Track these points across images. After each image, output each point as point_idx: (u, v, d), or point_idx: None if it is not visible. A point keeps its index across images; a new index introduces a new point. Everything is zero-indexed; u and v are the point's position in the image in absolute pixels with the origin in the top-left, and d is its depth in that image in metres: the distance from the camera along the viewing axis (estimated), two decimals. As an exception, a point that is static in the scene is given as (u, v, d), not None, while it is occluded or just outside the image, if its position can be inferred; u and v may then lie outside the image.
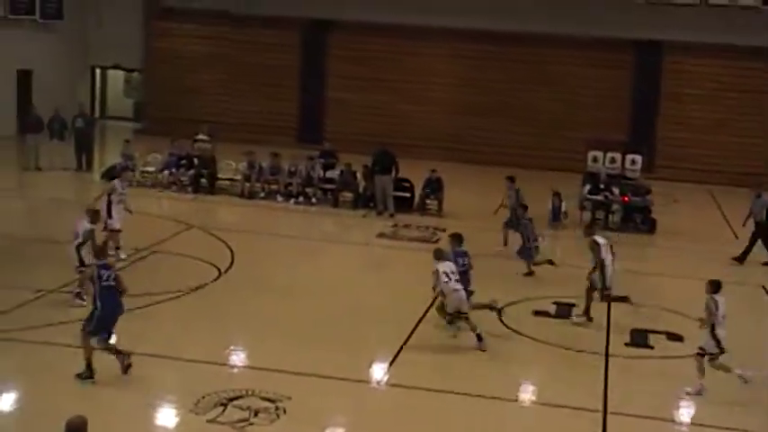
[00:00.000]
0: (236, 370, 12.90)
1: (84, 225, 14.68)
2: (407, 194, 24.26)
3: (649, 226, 23.10)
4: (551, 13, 32.04)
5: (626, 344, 14.53)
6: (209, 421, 10.71)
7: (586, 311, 15.35)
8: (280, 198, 24.23)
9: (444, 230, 20.31)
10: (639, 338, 14.78)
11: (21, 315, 14.02)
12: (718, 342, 12.31)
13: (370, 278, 18.22)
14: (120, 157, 25.38)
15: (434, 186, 24.00)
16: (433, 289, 13.99)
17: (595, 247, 15.32)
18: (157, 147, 26.26)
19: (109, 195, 17.51)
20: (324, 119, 33.66)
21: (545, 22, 32.05)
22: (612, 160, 26.17)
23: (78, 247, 14.60)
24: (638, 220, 23.23)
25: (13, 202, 23.43)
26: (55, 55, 32.70)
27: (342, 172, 24.48)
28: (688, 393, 12.46)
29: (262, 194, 24.44)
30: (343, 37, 33.59)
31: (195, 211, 22.76)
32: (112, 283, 11.85)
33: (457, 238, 14.97)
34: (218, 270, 17.10)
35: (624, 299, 16.05)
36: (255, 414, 10.93)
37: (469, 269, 14.64)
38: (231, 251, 18.49)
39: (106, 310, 11.72)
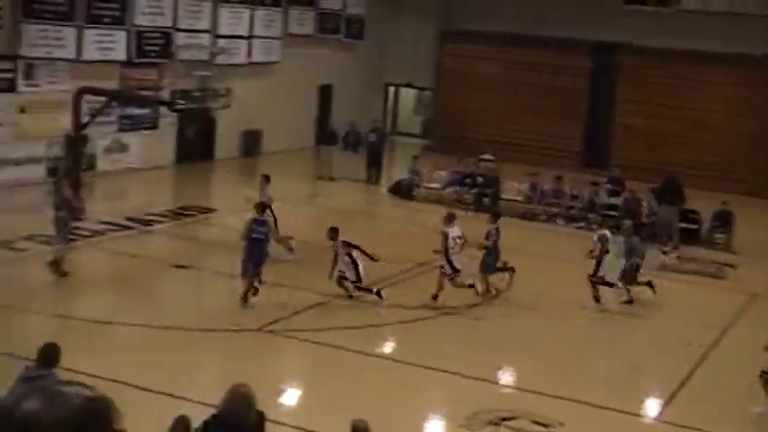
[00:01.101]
0: (507, 390, 12.98)
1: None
2: (694, 226, 23.32)
3: None
4: None
5: None
6: (479, 438, 10.86)
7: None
8: (560, 222, 24.07)
9: (733, 266, 19.33)
10: None
11: (308, 317, 14.90)
12: None
13: (648, 308, 17.67)
14: (407, 172, 26.32)
15: (724, 219, 22.90)
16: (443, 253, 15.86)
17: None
18: (443, 164, 26.93)
19: None
20: (609, 144, 33.07)
21: None
22: None
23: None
24: None
25: (306, 208, 24.92)
26: (353, 72, 34.39)
27: (625, 199, 23.96)
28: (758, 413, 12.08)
29: (543, 217, 24.41)
30: (635, 61, 32.84)
31: (476, 229, 23.03)
32: (261, 237, 14.97)
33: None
34: (496, 289, 17.27)
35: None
36: (526, 437, 10.95)
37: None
38: (510, 271, 18.58)
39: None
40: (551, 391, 12.42)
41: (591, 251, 16.63)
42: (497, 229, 16.93)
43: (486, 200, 25.11)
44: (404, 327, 14.95)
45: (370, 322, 14.85)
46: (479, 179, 25.36)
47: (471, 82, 34.97)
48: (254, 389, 7.55)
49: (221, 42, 27.46)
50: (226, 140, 28.79)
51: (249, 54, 29.24)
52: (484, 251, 16.61)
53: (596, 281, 16.41)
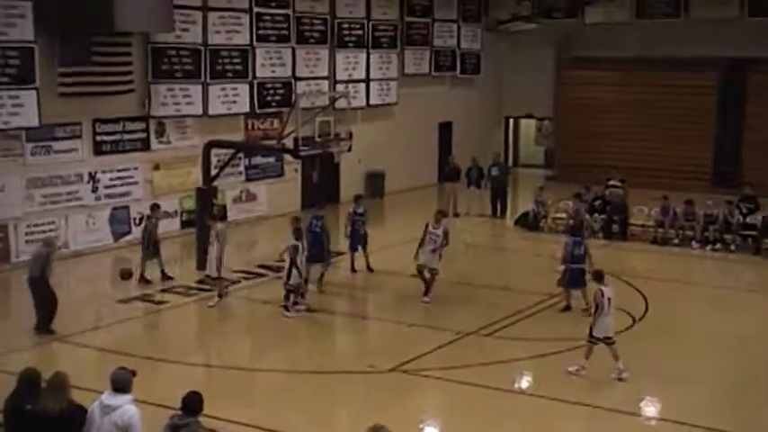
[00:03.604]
0: (652, 422, 12.60)
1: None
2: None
3: None
4: None
5: None
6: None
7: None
8: (695, 245, 23.36)
9: None
10: None
11: (442, 355, 14.84)
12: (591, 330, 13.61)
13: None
14: (532, 203, 26.04)
15: None
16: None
17: None
18: (568, 193, 26.51)
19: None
20: (741, 162, 31.99)
21: None
22: None
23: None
24: None
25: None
26: (472, 107, 34.40)
27: (764, 218, 23.08)
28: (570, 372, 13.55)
29: (676, 241, 23.75)
30: (764, 76, 31.76)
31: (607, 257, 22.52)
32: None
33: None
34: (633, 318, 16.84)
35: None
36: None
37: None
38: (645, 299, 18.12)
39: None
40: (699, 422, 12.00)
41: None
42: (320, 222, 18.90)
43: (615, 226, 24.62)
44: (536, 361, 14.70)
45: (503, 358, 14.68)
46: (607, 206, 24.89)
47: (592, 108, 34.48)
48: (392, 429, 7.54)
49: (340, 87, 27.91)
50: (350, 183, 29.13)
51: (368, 97, 29.64)
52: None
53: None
